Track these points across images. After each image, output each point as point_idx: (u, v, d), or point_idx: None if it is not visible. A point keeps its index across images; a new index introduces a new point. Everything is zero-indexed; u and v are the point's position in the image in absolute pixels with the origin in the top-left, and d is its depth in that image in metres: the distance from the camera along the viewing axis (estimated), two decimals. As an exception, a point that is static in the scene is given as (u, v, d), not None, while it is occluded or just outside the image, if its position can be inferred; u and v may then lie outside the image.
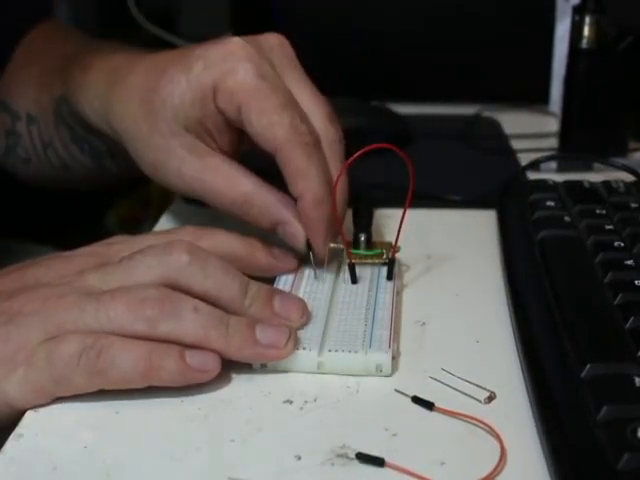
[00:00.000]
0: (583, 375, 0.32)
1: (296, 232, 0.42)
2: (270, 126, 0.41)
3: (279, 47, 0.44)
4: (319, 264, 0.42)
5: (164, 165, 0.44)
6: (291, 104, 0.41)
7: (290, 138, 0.40)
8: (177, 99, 0.42)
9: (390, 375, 0.36)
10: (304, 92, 0.43)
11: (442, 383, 0.35)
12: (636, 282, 0.38)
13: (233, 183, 0.42)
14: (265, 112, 0.41)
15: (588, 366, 0.32)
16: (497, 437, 0.31)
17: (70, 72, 0.51)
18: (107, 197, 0.95)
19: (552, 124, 0.70)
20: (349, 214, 0.47)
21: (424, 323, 0.40)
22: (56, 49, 0.59)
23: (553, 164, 0.60)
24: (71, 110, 0.52)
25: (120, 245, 0.41)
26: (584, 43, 0.61)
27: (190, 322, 0.34)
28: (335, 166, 0.42)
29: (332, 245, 0.42)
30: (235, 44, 0.42)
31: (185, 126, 0.43)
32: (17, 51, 0.62)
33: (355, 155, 0.38)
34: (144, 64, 0.45)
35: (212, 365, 0.34)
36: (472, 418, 0.33)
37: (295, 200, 0.41)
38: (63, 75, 0.52)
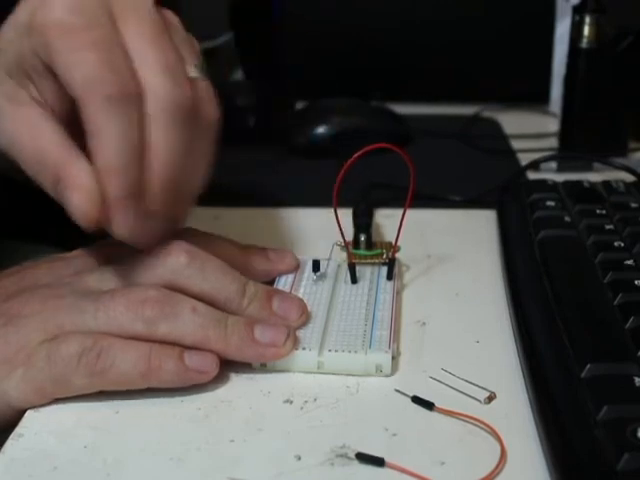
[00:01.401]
0: (583, 375, 0.32)
1: (70, 189, 0.34)
2: (70, 67, 0.33)
3: None
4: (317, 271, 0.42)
5: None
6: (105, 44, 0.34)
7: (88, 85, 0.33)
8: (0, 42, 0.36)
9: (390, 375, 0.36)
10: (141, 37, 0.35)
11: (442, 383, 0.35)
12: (636, 282, 0.38)
13: (35, 135, 0.35)
14: (69, 51, 0.33)
15: (588, 366, 0.32)
16: (497, 437, 0.31)
17: None
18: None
19: (552, 124, 0.70)
20: (349, 214, 0.47)
21: (424, 323, 0.40)
22: None
23: (553, 164, 0.61)
24: None
25: (119, 246, 0.41)
26: (584, 43, 0.61)
27: (189, 323, 0.34)
28: (163, 134, 0.34)
29: (338, 244, 0.42)
30: None
31: (7, 71, 0.36)
32: None
33: (356, 155, 0.38)
34: None
35: (210, 367, 0.34)
36: (472, 418, 0.33)
37: None
38: None
